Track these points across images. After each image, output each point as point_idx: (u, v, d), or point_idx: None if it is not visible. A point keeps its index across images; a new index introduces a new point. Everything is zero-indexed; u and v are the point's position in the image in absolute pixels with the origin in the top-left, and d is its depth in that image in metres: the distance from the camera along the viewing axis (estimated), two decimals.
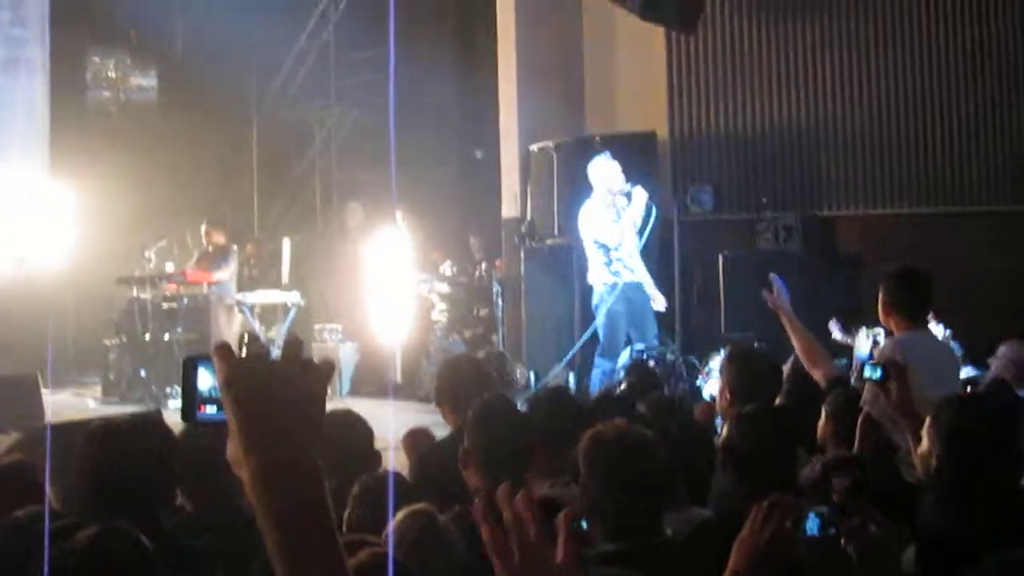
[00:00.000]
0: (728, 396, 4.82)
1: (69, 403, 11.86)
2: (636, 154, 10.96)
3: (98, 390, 12.58)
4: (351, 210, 13.97)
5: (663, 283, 10.35)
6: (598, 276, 9.75)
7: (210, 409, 1.41)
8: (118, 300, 12.67)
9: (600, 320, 9.69)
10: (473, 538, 2.94)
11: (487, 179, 13.34)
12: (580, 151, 10.97)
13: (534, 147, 11.35)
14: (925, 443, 3.68)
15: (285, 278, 13.33)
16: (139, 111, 15.22)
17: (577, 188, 10.84)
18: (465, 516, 3.42)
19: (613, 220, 9.67)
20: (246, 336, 1.88)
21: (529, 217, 11.42)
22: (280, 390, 1.35)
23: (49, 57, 14.00)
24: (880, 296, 5.30)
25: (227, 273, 12.36)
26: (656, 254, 10.50)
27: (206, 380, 1.41)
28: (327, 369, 1.40)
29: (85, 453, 3.53)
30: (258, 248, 13.95)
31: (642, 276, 9.83)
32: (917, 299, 5.30)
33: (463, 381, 4.95)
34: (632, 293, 9.70)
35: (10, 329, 11.93)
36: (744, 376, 4.81)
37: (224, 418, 1.38)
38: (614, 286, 9.62)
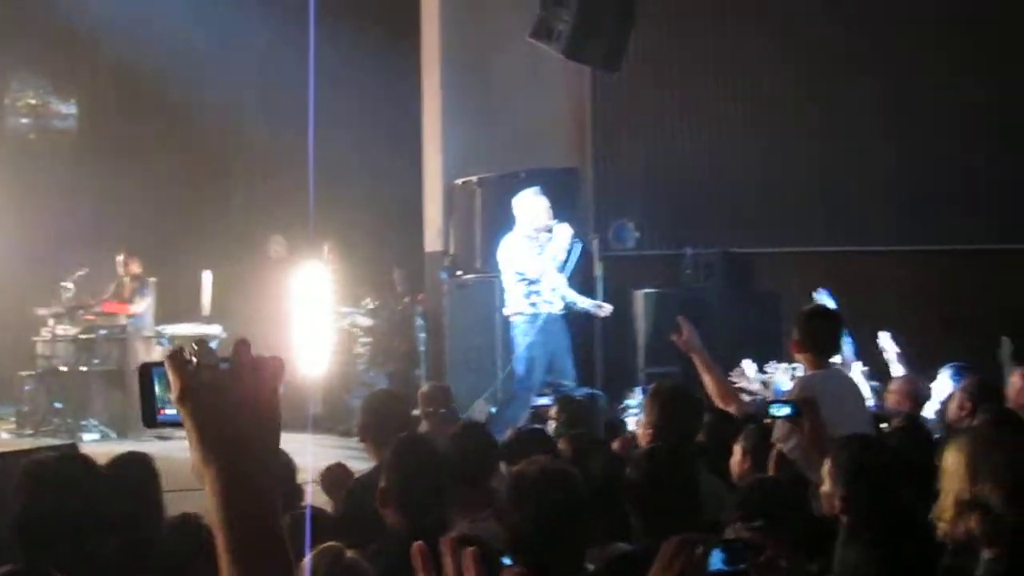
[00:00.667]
0: (651, 432, 4.84)
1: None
2: (559, 189, 11.03)
3: (12, 422, 12.35)
4: (274, 242, 13.89)
5: (583, 319, 10.42)
6: (517, 307, 9.68)
7: (169, 411, 1.43)
8: (34, 331, 12.46)
9: (520, 352, 9.63)
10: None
11: (410, 213, 13.33)
12: (503, 186, 11.02)
13: (458, 181, 11.39)
14: (827, 483, 3.76)
15: (206, 310, 13.18)
16: (58, 138, 15.01)
17: (500, 223, 10.88)
18: (386, 553, 3.42)
19: (536, 253, 9.60)
20: (195, 345, 1.85)
21: (452, 251, 11.45)
22: (235, 396, 1.38)
23: None
24: (793, 334, 5.41)
25: (143, 305, 12.21)
26: (577, 290, 10.57)
27: (163, 384, 1.43)
28: (277, 366, 1.43)
29: (10, 489, 3.47)
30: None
31: (573, 298, 9.78)
32: (828, 337, 5.43)
33: (385, 417, 4.95)
34: (552, 326, 9.62)
35: None
36: (666, 412, 4.84)
37: (180, 420, 1.41)
38: (534, 317, 9.54)
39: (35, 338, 12.47)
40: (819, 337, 5.36)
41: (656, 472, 3.65)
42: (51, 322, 12.08)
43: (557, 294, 9.67)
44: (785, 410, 4.40)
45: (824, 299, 6.81)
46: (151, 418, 1.46)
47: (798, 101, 11.33)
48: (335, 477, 5.11)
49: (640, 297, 10.85)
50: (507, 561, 3.45)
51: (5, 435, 11.95)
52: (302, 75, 13.24)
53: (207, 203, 15.14)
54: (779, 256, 11.38)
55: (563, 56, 10.54)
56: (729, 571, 2.42)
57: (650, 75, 11.63)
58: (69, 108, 15.63)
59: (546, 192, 10.50)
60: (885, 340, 7.57)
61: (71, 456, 4.40)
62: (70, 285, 12.04)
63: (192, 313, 13.29)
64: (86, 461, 3.81)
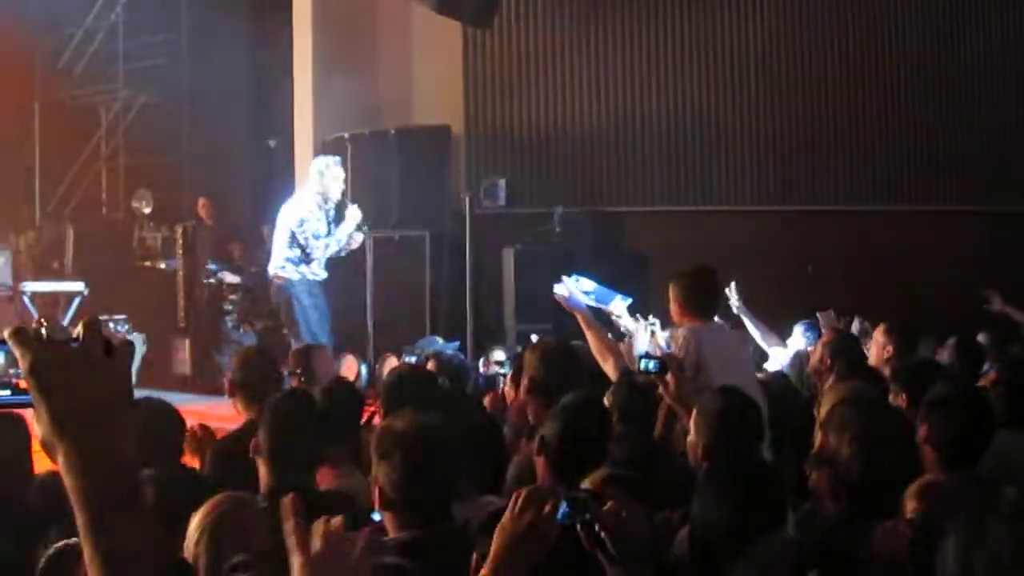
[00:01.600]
0: (527, 385, 4.82)
1: None
2: (430, 147, 11.07)
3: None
4: (140, 197, 13.63)
5: (455, 276, 10.48)
6: (286, 269, 9.45)
7: (2, 392, 1.40)
8: None
9: (296, 312, 9.47)
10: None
11: (280, 168, 13.20)
12: (375, 143, 11.02)
13: (328, 138, 11.32)
14: (692, 432, 3.90)
15: (69, 267, 12.91)
16: None
17: (370, 180, 10.88)
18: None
19: (323, 228, 9.41)
20: (45, 321, 1.80)
21: None
22: (86, 374, 1.36)
23: None
24: (673, 296, 5.49)
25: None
26: (448, 245, 10.65)
27: None
28: (126, 350, 1.42)
29: None
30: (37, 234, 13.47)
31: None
32: (709, 298, 5.55)
33: (257, 373, 4.95)
34: (321, 292, 9.57)
35: None
36: (547, 367, 4.86)
37: (18, 401, 1.39)
38: (305, 281, 9.44)
39: None
40: (701, 298, 5.46)
41: (575, 422, 3.71)
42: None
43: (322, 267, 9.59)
44: (652, 364, 4.50)
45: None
46: None
47: (673, 60, 11.49)
48: (199, 439, 5.07)
49: (510, 255, 10.93)
50: (376, 517, 3.50)
51: None
52: (172, 27, 13.05)
53: (71, 157, 14.78)
54: (648, 215, 11.57)
55: (434, 11, 10.54)
56: (574, 522, 2.51)
57: (521, 32, 11.68)
58: None
59: (418, 150, 10.54)
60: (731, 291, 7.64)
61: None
62: None
63: (54, 270, 13.02)
64: None
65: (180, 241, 12.67)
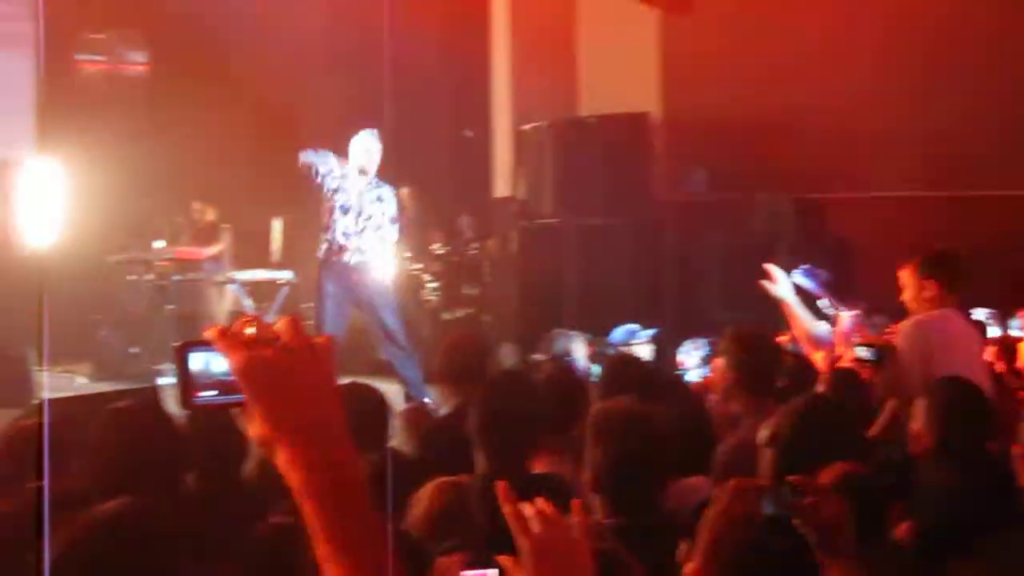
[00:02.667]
0: (733, 375, 4.72)
1: (57, 382, 11.85)
2: (629, 135, 11.01)
3: (88, 368, 12.57)
4: None
5: (655, 265, 10.40)
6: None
7: (207, 394, 1.39)
8: (109, 278, 12.65)
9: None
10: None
11: (477, 158, 13.33)
12: (573, 132, 11.00)
13: (526, 127, 11.36)
14: (918, 422, 3.74)
15: (276, 256, 13.31)
16: (130, 85, 15.09)
17: (569, 168, 10.89)
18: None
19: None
20: (250, 320, 1.83)
21: (522, 197, 11.43)
22: (295, 372, 1.37)
23: (37, 32, 13.94)
24: (911, 278, 5.25)
25: (217, 250, 12.38)
26: (648, 233, 10.57)
27: (199, 364, 1.39)
28: (329, 346, 1.41)
29: (97, 434, 3.55)
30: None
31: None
32: (953, 279, 5.30)
33: (464, 359, 4.97)
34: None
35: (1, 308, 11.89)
36: (748, 355, 4.76)
37: (223, 401, 1.38)
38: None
39: (110, 285, 12.68)
40: (948, 279, 5.22)
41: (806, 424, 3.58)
42: (126, 268, 12.25)
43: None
44: (868, 353, 4.37)
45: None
46: (187, 399, 1.40)
47: (883, 35, 11.09)
48: (413, 418, 5.14)
49: (710, 243, 10.77)
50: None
51: (82, 380, 12.17)
52: (372, 22, 13.28)
53: (279, 151, 15.19)
54: (851, 202, 11.23)
55: None
56: (779, 515, 2.46)
57: (723, 16, 11.48)
58: (140, 55, 15.74)
59: (615, 137, 10.49)
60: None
61: (153, 402, 4.49)
62: (144, 232, 12.21)
63: (263, 259, 13.44)
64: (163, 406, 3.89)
65: None
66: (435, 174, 14.01)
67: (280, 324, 1.40)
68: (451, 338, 5.30)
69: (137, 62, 15.50)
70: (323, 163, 9.48)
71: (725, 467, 4.14)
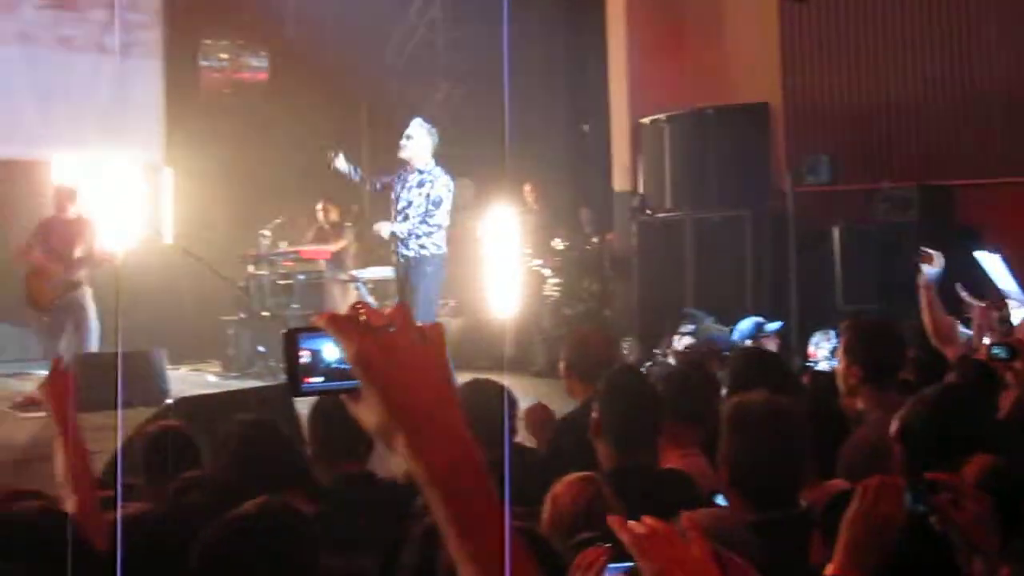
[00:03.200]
0: (856, 370, 4.62)
1: (189, 379, 12.15)
2: (750, 125, 10.88)
3: (217, 366, 12.86)
4: (462, 186, 14.02)
5: (778, 256, 10.25)
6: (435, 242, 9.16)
7: (315, 380, 1.38)
8: (236, 277, 12.92)
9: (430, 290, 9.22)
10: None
11: (595, 152, 13.32)
12: (692, 124, 10.92)
13: (645, 120, 11.30)
14: None
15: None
16: (251, 91, 15.41)
17: (689, 161, 10.81)
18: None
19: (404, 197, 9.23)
20: (361, 306, 1.81)
21: (641, 190, 11.38)
22: (410, 359, 1.35)
23: (163, 40, 14.32)
24: None
25: (341, 248, 12.59)
26: (770, 224, 10.42)
27: (309, 351, 1.38)
28: (440, 333, 1.40)
29: (237, 428, 3.63)
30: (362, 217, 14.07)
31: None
32: None
33: (592, 352, 4.96)
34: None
35: (132, 308, 12.23)
36: (874, 351, 4.65)
37: (334, 388, 1.38)
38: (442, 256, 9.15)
39: (237, 284, 12.94)
40: None
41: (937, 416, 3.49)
42: (252, 268, 12.50)
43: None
44: (1002, 351, 4.27)
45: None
46: (297, 386, 1.38)
47: (1001, 23, 10.80)
48: (538, 417, 5.15)
49: (835, 233, 10.58)
50: (719, 500, 3.43)
51: (212, 378, 12.46)
52: (490, 15, 13.36)
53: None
54: (981, 188, 10.94)
55: None
56: (919, 512, 2.40)
57: (840, 3, 11.27)
58: (260, 61, 16.04)
59: (736, 129, 10.37)
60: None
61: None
62: (268, 232, 12.43)
63: (386, 258, 13.57)
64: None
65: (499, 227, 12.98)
66: (554, 170, 14.04)
67: (391, 311, 1.38)
68: (579, 333, 5.29)
69: (258, 67, 15.81)
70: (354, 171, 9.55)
71: (851, 464, 4.07)
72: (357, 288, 12.51)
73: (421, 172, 9.17)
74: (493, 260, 12.95)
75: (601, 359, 4.86)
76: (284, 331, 1.40)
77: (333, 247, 12.47)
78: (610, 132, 12.01)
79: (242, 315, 12.42)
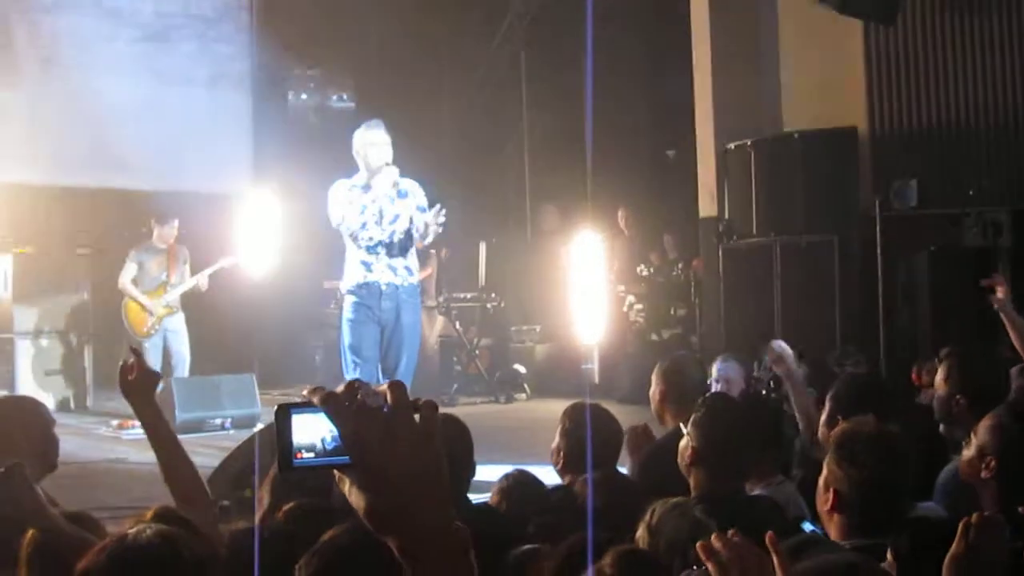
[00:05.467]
0: (962, 402, 4.57)
1: (280, 401, 12.31)
2: (836, 149, 10.83)
3: (305, 391, 13.02)
4: (546, 212, 14.13)
5: (865, 282, 10.17)
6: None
7: (307, 456, 1.37)
8: (324, 303, 13.11)
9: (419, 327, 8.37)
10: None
11: (680, 178, 13.34)
12: (778, 149, 10.89)
13: (730, 145, 11.29)
14: None
15: (482, 280, 13.57)
16: (338, 118, 15.65)
17: (775, 186, 10.78)
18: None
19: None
20: (357, 384, 1.81)
21: (727, 216, 11.37)
22: (403, 443, 1.35)
23: (252, 71, 14.61)
24: None
25: (427, 274, 12.71)
26: (857, 249, 10.35)
27: (302, 428, 1.37)
28: (434, 413, 1.39)
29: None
30: (448, 252, 14.18)
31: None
32: None
33: (690, 381, 4.99)
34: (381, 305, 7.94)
35: (224, 333, 12.48)
36: (978, 379, 4.60)
37: (326, 463, 1.36)
38: (363, 285, 7.92)
39: (324, 309, 13.14)
40: None
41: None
42: (339, 294, 12.64)
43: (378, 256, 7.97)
44: None
45: None
46: (287, 463, 1.37)
47: None
48: (638, 438, 5.18)
49: (923, 258, 10.47)
50: (807, 527, 3.43)
51: None
52: (573, 42, 13.46)
53: (483, 176, 15.52)
54: None
55: (837, 11, 10.31)
56: (1016, 546, 2.37)
57: (926, 21, 11.18)
58: (346, 90, 16.29)
59: (823, 153, 10.34)
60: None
61: None
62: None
63: (470, 283, 13.71)
64: None
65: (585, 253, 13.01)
66: (640, 195, 14.07)
67: (386, 388, 1.38)
68: (672, 361, 5.30)
69: (344, 96, 16.06)
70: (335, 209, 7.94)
71: (948, 493, 4.05)
72: (443, 313, 12.63)
73: (397, 183, 7.95)
74: (579, 286, 12.99)
75: (695, 387, 4.89)
76: (278, 406, 1.40)
77: (422, 274, 12.61)
78: (695, 157, 12.01)
79: (329, 341, 12.59)
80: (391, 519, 1.35)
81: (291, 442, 1.37)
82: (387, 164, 7.86)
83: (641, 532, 3.18)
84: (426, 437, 1.36)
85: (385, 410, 1.36)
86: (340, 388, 1.37)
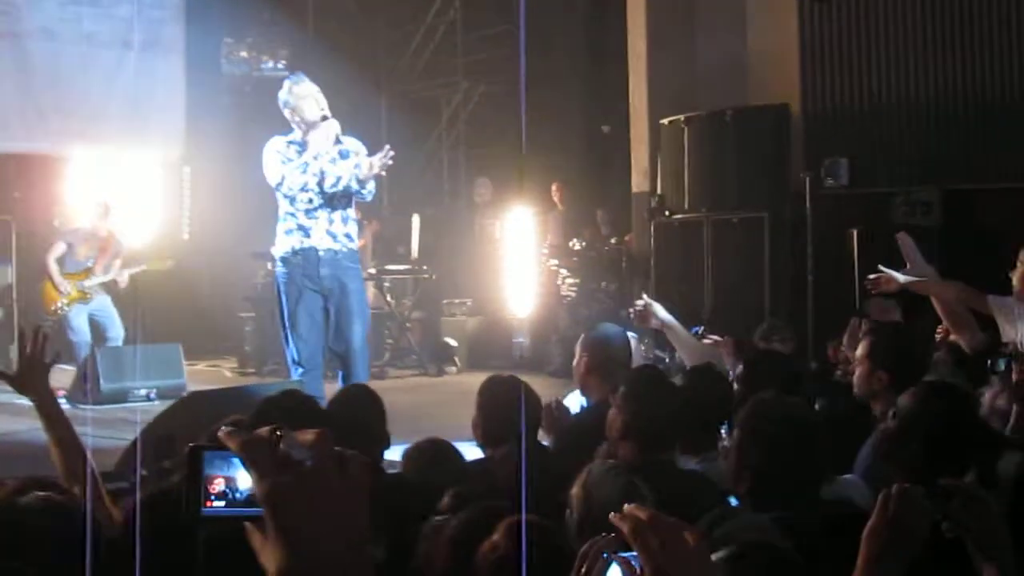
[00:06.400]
0: (884, 378, 4.56)
1: (205, 374, 12.20)
2: (768, 127, 10.85)
3: (233, 362, 12.90)
4: (480, 185, 14.06)
5: (795, 259, 10.23)
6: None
7: (218, 504, 1.26)
8: (252, 274, 12.96)
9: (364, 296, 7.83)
10: None
11: (614, 153, 13.33)
12: (711, 125, 10.90)
13: (664, 121, 11.28)
14: None
15: (414, 253, 13.48)
16: (272, 88, 15.44)
17: (708, 162, 10.79)
18: None
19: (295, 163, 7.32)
20: (281, 432, 1.73)
21: (659, 191, 11.37)
22: (325, 503, 1.23)
23: (185, 38, 14.37)
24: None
25: (360, 245, 12.60)
26: (788, 227, 10.40)
27: (213, 471, 1.25)
28: (362, 466, 1.27)
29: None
30: (381, 225, 14.06)
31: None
32: None
33: (615, 352, 4.95)
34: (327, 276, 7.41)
35: (151, 303, 12.29)
36: (901, 355, 4.60)
37: (237, 514, 1.26)
38: (299, 251, 7.38)
39: (253, 280, 12.99)
40: None
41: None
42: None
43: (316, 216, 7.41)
44: (1001, 363, 4.27)
45: None
46: (195, 511, 1.25)
47: (1022, 26, 10.74)
48: (554, 414, 5.15)
49: (853, 236, 10.53)
50: (732, 501, 3.42)
51: (228, 374, 12.50)
52: (507, 20, 13.38)
53: (417, 146, 15.39)
54: (1003, 193, 10.87)
55: None
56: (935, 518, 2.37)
57: (861, 4, 11.21)
58: (280, 60, 16.08)
59: (755, 130, 10.36)
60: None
61: (294, 392, 4.58)
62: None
63: (402, 255, 13.63)
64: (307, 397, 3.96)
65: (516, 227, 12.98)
66: (574, 171, 14.04)
67: (309, 438, 1.25)
68: (597, 331, 5.25)
69: (278, 65, 15.85)
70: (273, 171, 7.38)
71: (868, 467, 4.06)
72: (376, 286, 12.53)
73: (339, 140, 7.41)
74: (510, 260, 12.95)
75: (620, 360, 4.86)
76: (189, 446, 1.27)
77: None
78: (629, 133, 12.00)
79: (258, 312, 12.46)
80: None
81: (200, 488, 1.25)
82: (324, 117, 7.30)
83: (576, 490, 3.16)
84: (350, 499, 1.24)
85: (308, 464, 1.22)
86: (261, 432, 1.22)
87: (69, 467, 3.29)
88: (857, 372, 4.70)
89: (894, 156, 11.03)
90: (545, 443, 4.86)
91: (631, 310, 5.46)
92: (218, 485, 1.25)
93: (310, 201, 7.30)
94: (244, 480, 1.24)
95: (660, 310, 5.33)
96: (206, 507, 1.25)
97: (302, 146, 7.31)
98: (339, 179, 7.23)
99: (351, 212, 7.54)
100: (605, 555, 2.03)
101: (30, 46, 12.90)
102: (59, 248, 10.82)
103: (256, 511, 1.22)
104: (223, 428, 1.24)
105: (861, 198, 10.90)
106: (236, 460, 1.23)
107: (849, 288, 10.51)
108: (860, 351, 4.71)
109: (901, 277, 5.56)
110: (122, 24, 13.73)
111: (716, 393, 4.30)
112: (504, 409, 4.24)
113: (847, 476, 3.93)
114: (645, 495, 2.86)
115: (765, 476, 3.09)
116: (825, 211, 10.58)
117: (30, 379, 3.44)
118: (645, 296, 5.45)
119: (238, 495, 1.25)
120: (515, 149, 14.40)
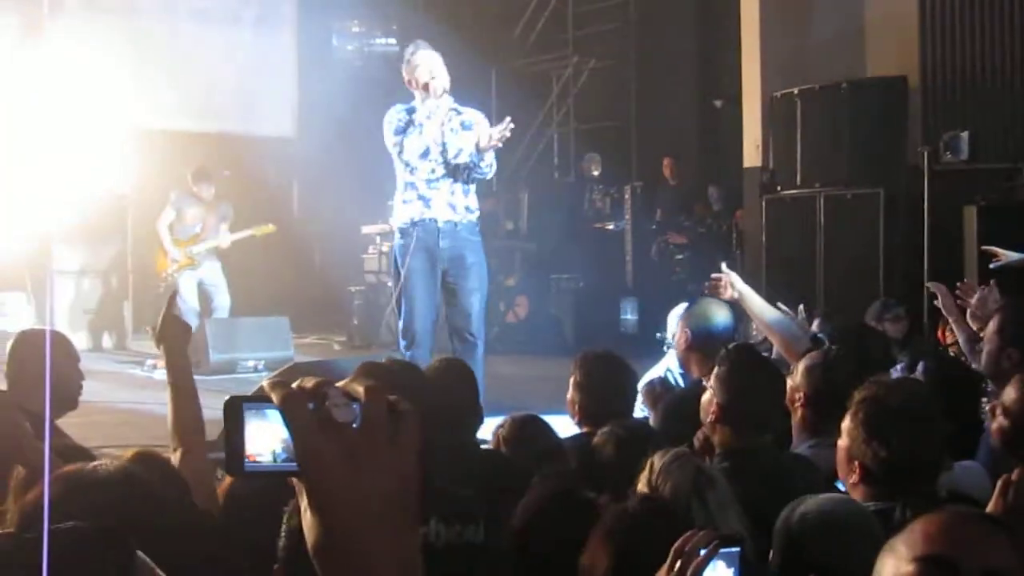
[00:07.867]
0: (1015, 356, 4.34)
1: (314, 347, 12.33)
2: (885, 100, 10.58)
3: (343, 335, 13.02)
4: (589, 160, 13.96)
5: (911, 236, 9.96)
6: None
7: (263, 459, 1.16)
8: (362, 248, 13.07)
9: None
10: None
11: (726, 128, 13.13)
12: (825, 98, 10.64)
13: (777, 94, 11.05)
14: None
15: (523, 228, 13.45)
16: (382, 63, 15.52)
17: (822, 136, 10.55)
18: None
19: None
20: (329, 391, 1.62)
21: (771, 167, 11.15)
22: (370, 469, 1.12)
23: (296, 13, 14.50)
24: None
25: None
26: (904, 203, 10.12)
27: (255, 423, 1.15)
28: (414, 427, 1.15)
29: None
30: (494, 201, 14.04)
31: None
32: None
33: (716, 328, 4.85)
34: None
35: (262, 276, 12.47)
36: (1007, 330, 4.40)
37: (282, 469, 1.15)
38: (418, 223, 7.02)
39: (363, 255, 13.09)
40: None
41: None
42: (378, 239, 12.61)
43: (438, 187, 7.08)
44: None
45: None
46: (237, 465, 1.16)
47: None
48: (656, 391, 5.07)
49: (972, 212, 10.21)
50: (840, 486, 3.29)
51: (337, 347, 12.62)
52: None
53: (528, 126, 15.35)
54: None
55: None
56: None
57: None
58: (390, 35, 16.15)
59: (872, 103, 10.08)
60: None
61: (397, 360, 4.56)
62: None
63: (511, 231, 13.60)
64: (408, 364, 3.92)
65: (629, 202, 12.87)
66: (686, 146, 13.88)
67: (360, 391, 1.14)
68: (698, 306, 5.14)
69: (388, 40, 15.92)
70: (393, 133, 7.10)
71: (989, 452, 3.90)
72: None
73: (460, 111, 7.11)
74: (620, 235, 12.84)
75: (724, 335, 4.75)
76: (227, 398, 1.17)
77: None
78: (741, 107, 11.79)
79: (367, 285, 12.56)
80: (341, 553, 1.12)
81: (242, 442, 1.16)
82: (444, 90, 6.97)
83: (641, 487, 3.05)
84: (399, 458, 1.14)
85: (355, 426, 1.12)
86: (308, 384, 1.12)
87: (187, 441, 3.28)
88: (985, 349, 4.48)
89: (1017, 130, 10.66)
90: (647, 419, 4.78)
91: (707, 282, 5.28)
92: (263, 438, 1.16)
93: (432, 171, 7.02)
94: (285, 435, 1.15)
95: (738, 280, 5.13)
96: (248, 461, 1.16)
97: (426, 116, 7.02)
98: (460, 151, 6.96)
99: (472, 184, 7.23)
100: (702, 551, 1.94)
101: (147, 25, 13.11)
102: (168, 214, 10.99)
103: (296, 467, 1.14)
104: (268, 378, 1.15)
105: (981, 174, 10.54)
106: (277, 413, 1.14)
107: (967, 267, 10.21)
108: (991, 327, 4.47)
109: (1014, 256, 5.32)
110: (234, 0, 13.91)
111: (843, 379, 4.13)
112: (601, 387, 4.16)
113: (965, 463, 3.77)
114: (716, 480, 2.74)
115: (879, 464, 2.95)
116: (943, 187, 10.26)
117: (172, 333, 3.48)
118: (724, 266, 5.28)
119: (280, 454, 1.15)
120: (625, 124, 14.28)
